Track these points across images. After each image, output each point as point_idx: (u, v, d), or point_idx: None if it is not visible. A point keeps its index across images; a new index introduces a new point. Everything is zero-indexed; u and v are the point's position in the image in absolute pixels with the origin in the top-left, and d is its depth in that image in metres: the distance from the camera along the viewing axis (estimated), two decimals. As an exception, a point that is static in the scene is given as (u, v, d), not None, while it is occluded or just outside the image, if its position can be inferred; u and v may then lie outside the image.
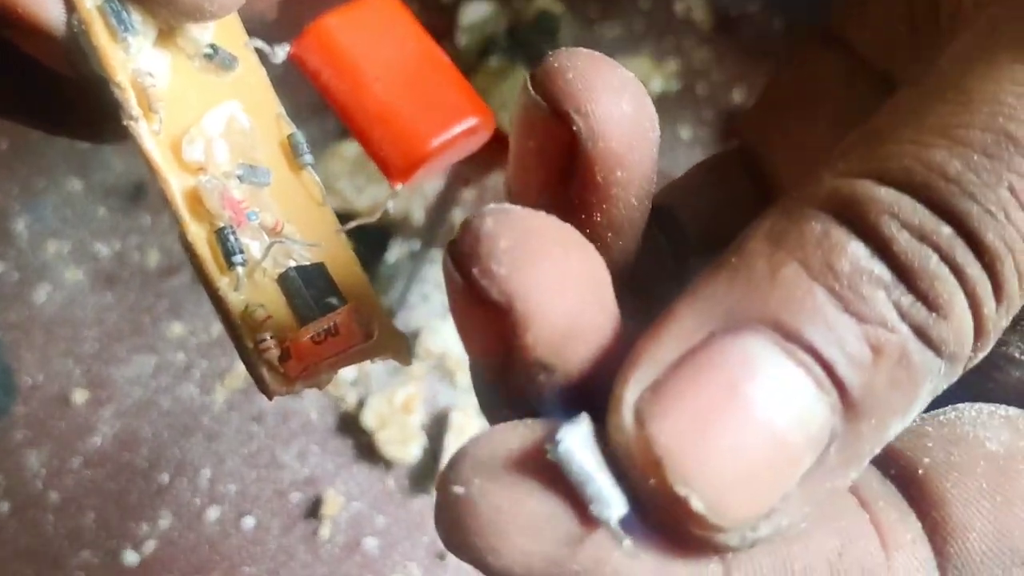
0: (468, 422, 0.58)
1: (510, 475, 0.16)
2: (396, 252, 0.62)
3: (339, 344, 0.24)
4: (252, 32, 0.29)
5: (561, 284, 0.17)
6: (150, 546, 0.57)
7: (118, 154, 0.67)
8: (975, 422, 0.20)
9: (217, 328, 0.62)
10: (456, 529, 0.16)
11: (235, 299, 0.25)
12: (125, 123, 0.26)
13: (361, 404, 0.60)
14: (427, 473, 0.58)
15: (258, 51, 0.29)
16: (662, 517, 0.16)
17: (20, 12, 0.27)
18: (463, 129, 0.29)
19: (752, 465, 0.16)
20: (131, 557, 0.57)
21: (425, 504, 0.58)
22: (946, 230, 0.16)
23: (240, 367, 0.61)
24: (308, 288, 0.26)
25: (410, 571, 0.56)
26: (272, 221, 0.27)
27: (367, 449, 0.59)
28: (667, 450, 0.15)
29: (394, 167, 0.29)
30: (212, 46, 0.27)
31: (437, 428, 0.59)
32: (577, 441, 0.16)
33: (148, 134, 0.26)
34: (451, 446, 0.58)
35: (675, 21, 0.72)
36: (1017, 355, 0.21)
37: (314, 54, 0.30)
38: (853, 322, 0.16)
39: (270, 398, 0.25)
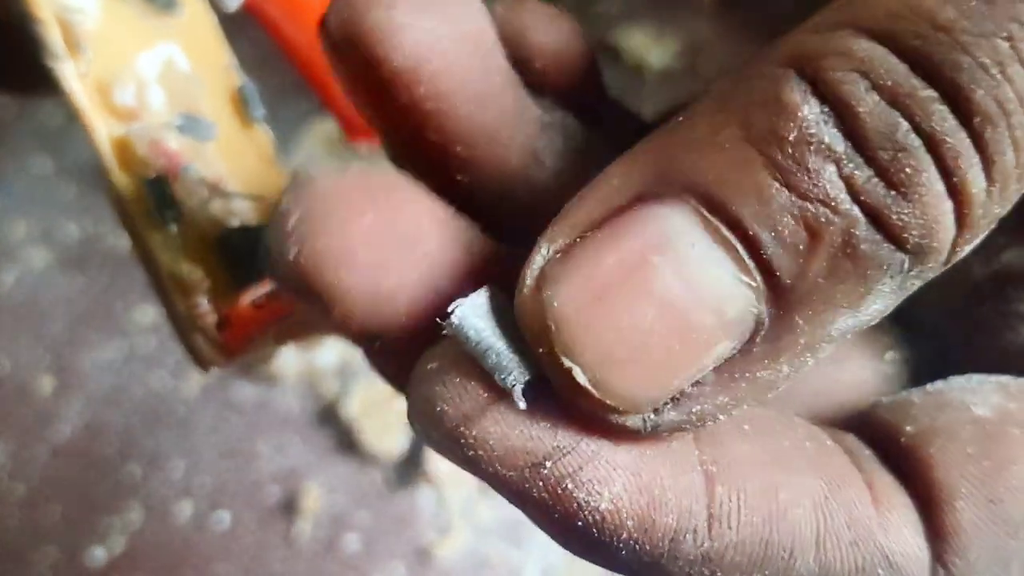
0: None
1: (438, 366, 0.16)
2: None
3: (282, 308, 0.23)
4: None
5: (349, 257, 0.16)
6: (119, 542, 0.57)
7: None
8: (963, 389, 0.19)
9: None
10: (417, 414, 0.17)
11: (166, 258, 0.24)
12: (49, 63, 0.24)
13: (343, 393, 0.59)
14: (412, 467, 0.58)
15: None
16: (558, 391, 0.16)
17: None
18: None
19: (647, 343, 0.15)
20: (98, 553, 0.57)
21: (409, 499, 0.57)
22: (925, 92, 0.14)
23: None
24: (251, 251, 0.24)
25: (394, 569, 0.55)
26: (214, 176, 0.25)
27: (349, 441, 0.59)
28: (557, 318, 0.15)
29: (357, 124, 0.29)
30: None
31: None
32: (471, 313, 0.16)
33: (73, 75, 0.25)
34: None
35: None
36: None
37: (274, 3, 0.29)
38: (791, 198, 0.14)
39: (205, 370, 0.24)
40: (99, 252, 0.65)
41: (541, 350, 0.15)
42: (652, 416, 0.16)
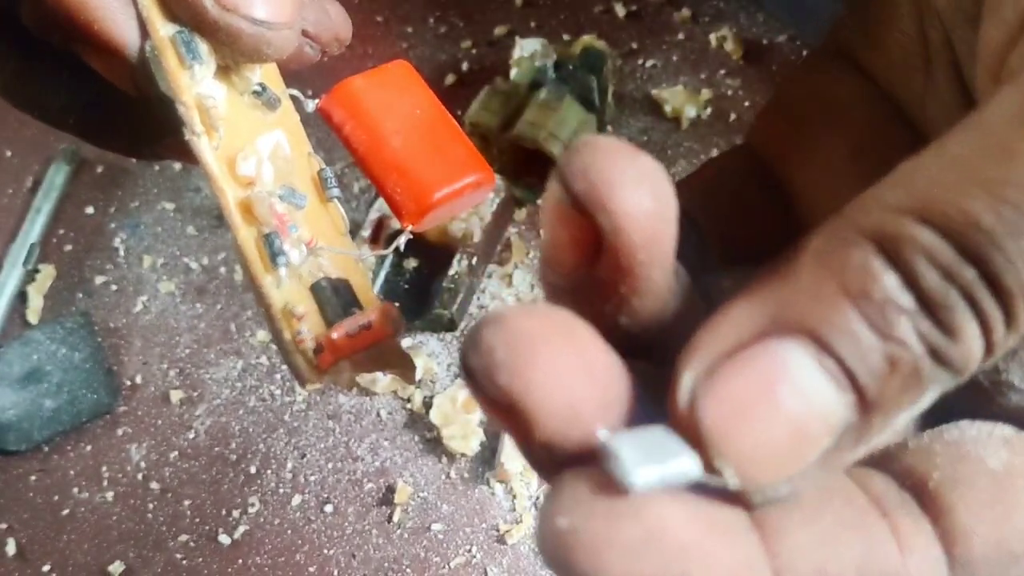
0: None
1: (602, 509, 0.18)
2: (457, 267, 0.65)
3: (370, 337, 0.26)
4: (288, 84, 0.32)
5: (555, 381, 0.18)
6: (241, 530, 0.60)
7: (205, 180, 0.72)
8: (976, 441, 0.22)
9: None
10: (559, 554, 0.17)
11: (277, 296, 0.27)
12: (188, 138, 0.27)
13: (427, 404, 0.63)
14: (486, 465, 0.61)
15: (293, 98, 0.31)
16: (712, 484, 0.18)
17: (96, 29, 0.29)
18: (466, 183, 0.32)
19: (777, 447, 0.18)
20: (225, 539, 0.60)
21: (484, 493, 0.60)
22: (970, 272, 0.17)
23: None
24: (336, 297, 0.28)
25: (472, 553, 0.59)
26: (308, 237, 0.28)
27: (433, 443, 0.62)
28: (710, 430, 0.18)
29: (406, 211, 0.32)
30: (261, 85, 0.30)
31: (494, 425, 0.62)
32: (640, 471, 0.18)
33: (208, 148, 0.27)
34: (508, 440, 0.60)
35: (709, 52, 0.75)
36: (1016, 382, 0.23)
37: (339, 109, 0.32)
38: (877, 340, 0.18)
39: (303, 386, 0.27)
40: (216, 283, 0.69)
41: (699, 455, 0.18)
42: (771, 493, 0.19)
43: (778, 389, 0.18)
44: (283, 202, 0.28)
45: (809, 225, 0.20)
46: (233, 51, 0.28)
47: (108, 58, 0.30)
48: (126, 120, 0.34)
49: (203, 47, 0.28)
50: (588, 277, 0.20)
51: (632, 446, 0.18)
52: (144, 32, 0.28)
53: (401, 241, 0.33)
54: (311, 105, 0.32)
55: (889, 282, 0.18)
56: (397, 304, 0.31)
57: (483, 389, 0.18)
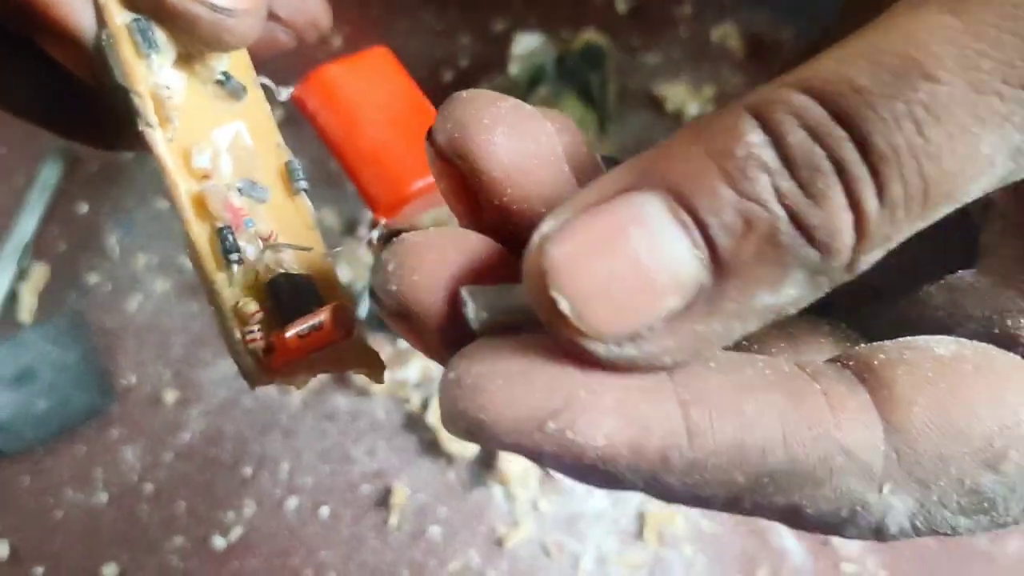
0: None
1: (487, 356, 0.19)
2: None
3: (322, 338, 0.25)
4: (260, 71, 0.31)
5: (435, 280, 0.20)
6: (236, 532, 0.60)
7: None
8: (928, 340, 0.21)
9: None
10: (449, 406, 0.19)
11: (229, 293, 0.26)
12: (141, 129, 0.27)
13: (425, 404, 0.63)
14: (485, 467, 0.61)
15: (264, 87, 0.30)
16: (545, 322, 0.18)
17: (52, 16, 0.29)
18: None
19: (617, 288, 0.18)
20: (219, 542, 0.60)
21: (483, 496, 0.60)
22: (839, 132, 0.17)
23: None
24: (295, 295, 0.27)
25: (470, 557, 0.59)
26: (267, 231, 0.28)
27: (430, 445, 0.62)
28: (551, 265, 0.18)
29: (381, 203, 0.31)
30: (225, 73, 0.29)
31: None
32: (479, 290, 0.20)
33: (162, 140, 0.27)
34: None
35: (712, 48, 0.75)
36: (972, 311, 0.22)
37: (315, 97, 0.32)
38: (734, 195, 0.18)
39: (252, 387, 0.26)
40: None
41: (536, 289, 0.18)
42: (614, 348, 0.18)
43: (628, 232, 0.18)
44: (242, 195, 0.27)
45: None
46: (192, 39, 0.28)
47: (65, 45, 0.29)
48: (91, 111, 0.33)
49: (161, 35, 0.27)
50: (481, 219, 0.22)
51: (483, 292, 0.19)
52: (101, 19, 0.28)
53: (375, 235, 0.32)
54: (284, 94, 0.31)
55: (753, 139, 0.18)
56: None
57: (382, 303, 0.20)
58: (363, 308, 0.61)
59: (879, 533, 0.21)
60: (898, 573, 0.58)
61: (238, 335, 0.26)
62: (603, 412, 0.18)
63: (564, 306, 0.18)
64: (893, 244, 0.18)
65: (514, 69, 0.69)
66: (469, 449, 0.61)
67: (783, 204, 0.18)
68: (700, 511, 0.60)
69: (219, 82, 0.29)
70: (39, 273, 0.70)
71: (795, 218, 0.18)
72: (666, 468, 0.19)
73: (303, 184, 0.29)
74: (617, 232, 0.18)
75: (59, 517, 0.62)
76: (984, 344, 0.21)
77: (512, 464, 0.60)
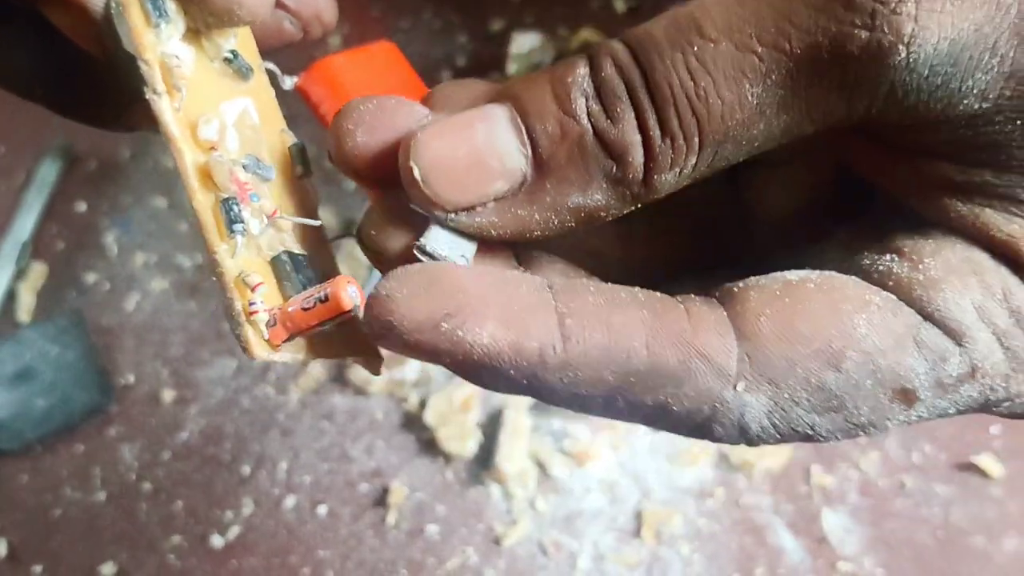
0: (520, 419, 0.61)
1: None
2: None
3: (327, 311, 0.26)
4: (264, 59, 0.31)
5: (372, 144, 0.24)
6: (234, 531, 0.61)
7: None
8: (785, 272, 0.24)
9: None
10: (367, 315, 0.23)
11: (231, 264, 0.26)
12: (148, 97, 0.27)
13: (423, 404, 0.63)
14: (483, 466, 0.61)
15: (270, 73, 0.30)
16: (406, 190, 0.23)
17: None
18: None
19: (459, 164, 0.23)
20: (217, 541, 0.60)
21: (481, 494, 0.61)
22: (636, 72, 0.22)
23: (314, 369, 0.64)
24: (297, 274, 0.27)
25: (468, 555, 0.59)
26: (271, 208, 0.28)
27: (428, 444, 0.63)
28: (415, 141, 0.23)
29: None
30: (233, 52, 0.29)
31: (492, 425, 0.62)
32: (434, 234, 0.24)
33: (169, 108, 0.27)
34: (505, 442, 0.61)
35: None
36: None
37: (318, 87, 0.33)
38: (556, 109, 0.22)
39: (252, 358, 0.26)
40: (209, 280, 0.68)
41: (402, 158, 0.23)
42: (452, 215, 0.23)
43: (474, 126, 0.23)
44: (247, 172, 0.27)
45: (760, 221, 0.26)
46: (203, 10, 0.28)
47: (73, 14, 0.30)
48: (93, 87, 0.33)
49: (171, 5, 0.27)
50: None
51: (436, 234, 0.24)
52: None
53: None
54: (289, 82, 0.32)
55: (580, 71, 0.22)
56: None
57: (337, 159, 0.24)
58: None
59: (744, 432, 0.23)
60: (895, 572, 0.58)
61: (240, 306, 0.26)
62: (487, 317, 0.22)
63: (416, 173, 0.23)
64: (687, 173, 0.23)
65: (512, 68, 0.69)
66: (467, 448, 0.61)
67: (591, 121, 0.22)
68: (697, 510, 0.60)
69: (227, 60, 0.29)
70: (37, 272, 0.70)
71: (597, 132, 0.22)
72: (543, 366, 0.22)
73: (307, 168, 0.29)
74: (466, 125, 0.23)
75: (58, 515, 0.62)
76: (830, 272, 0.24)
77: (510, 463, 0.61)
